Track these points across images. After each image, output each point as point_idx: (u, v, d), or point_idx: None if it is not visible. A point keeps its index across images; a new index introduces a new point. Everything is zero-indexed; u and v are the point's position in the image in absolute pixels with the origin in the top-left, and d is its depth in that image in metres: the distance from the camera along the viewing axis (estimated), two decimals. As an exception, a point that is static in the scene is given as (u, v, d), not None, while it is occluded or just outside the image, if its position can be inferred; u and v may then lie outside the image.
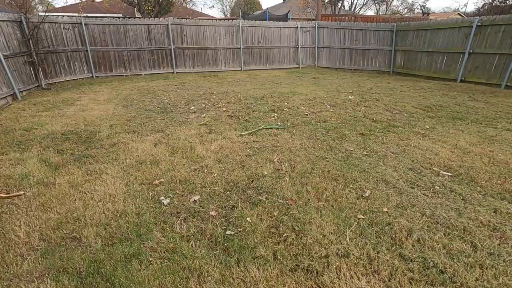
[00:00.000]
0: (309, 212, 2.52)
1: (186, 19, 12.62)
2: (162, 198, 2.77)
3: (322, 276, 1.87)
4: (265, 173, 3.25)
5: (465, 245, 2.13)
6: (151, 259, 2.02)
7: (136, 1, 17.63)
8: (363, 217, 2.46)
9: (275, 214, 2.51)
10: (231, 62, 12.52)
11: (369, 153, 3.81)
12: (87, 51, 10.05)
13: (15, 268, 1.97)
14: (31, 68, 8.06)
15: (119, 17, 16.98)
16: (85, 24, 9.85)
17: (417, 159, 3.61)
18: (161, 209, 2.60)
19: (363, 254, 2.05)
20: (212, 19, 17.32)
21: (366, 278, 1.86)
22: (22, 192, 2.83)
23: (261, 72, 12.27)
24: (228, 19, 20.07)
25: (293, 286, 1.81)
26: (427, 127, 4.85)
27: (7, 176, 3.18)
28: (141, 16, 18.38)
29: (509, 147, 3.94)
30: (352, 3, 38.05)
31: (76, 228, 2.35)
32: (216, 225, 2.38)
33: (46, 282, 1.85)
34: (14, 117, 5.42)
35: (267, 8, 23.74)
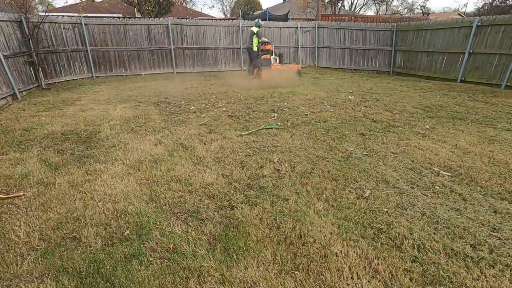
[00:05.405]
0: (309, 212, 2.52)
1: (186, 19, 12.62)
2: (162, 198, 2.77)
3: (322, 276, 1.87)
4: (265, 173, 3.25)
5: (465, 245, 2.13)
6: (151, 259, 2.02)
7: (136, 1, 17.61)
8: (363, 217, 2.46)
9: (275, 214, 2.51)
10: (231, 62, 12.52)
11: (369, 153, 3.81)
12: (87, 51, 10.06)
13: (15, 268, 1.97)
14: (31, 68, 8.06)
15: (119, 17, 16.99)
16: (85, 24, 9.86)
17: (417, 159, 3.61)
18: (161, 209, 2.60)
19: (363, 254, 2.05)
20: (212, 19, 17.31)
21: (366, 278, 1.86)
22: (22, 193, 2.83)
23: (261, 72, 12.26)
24: (228, 19, 20.06)
25: (293, 286, 1.81)
26: (427, 127, 4.85)
27: (7, 176, 3.18)
28: (141, 16, 18.37)
29: (509, 147, 3.94)
30: (352, 3, 38.12)
31: (76, 228, 2.35)
32: (216, 225, 2.39)
33: (46, 282, 1.85)
34: (14, 117, 5.42)
35: (267, 8, 23.72)
